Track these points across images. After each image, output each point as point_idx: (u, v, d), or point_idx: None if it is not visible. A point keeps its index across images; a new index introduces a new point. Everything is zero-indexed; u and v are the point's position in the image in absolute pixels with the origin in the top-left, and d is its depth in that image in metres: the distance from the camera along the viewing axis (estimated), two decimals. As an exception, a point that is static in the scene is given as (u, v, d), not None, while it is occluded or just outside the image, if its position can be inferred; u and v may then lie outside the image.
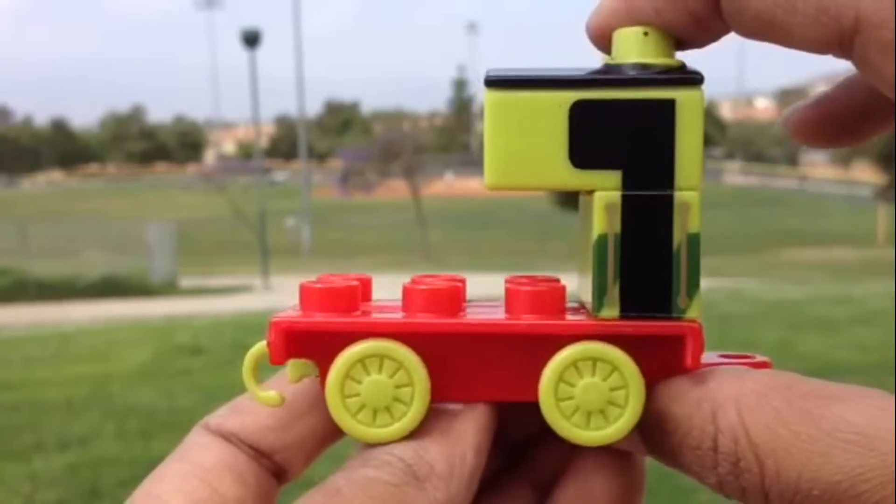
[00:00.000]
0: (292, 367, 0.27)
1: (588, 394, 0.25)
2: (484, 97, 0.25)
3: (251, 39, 16.43)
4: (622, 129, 0.25)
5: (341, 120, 45.64)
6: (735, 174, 36.84)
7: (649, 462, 0.27)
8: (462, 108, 44.52)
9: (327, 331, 0.26)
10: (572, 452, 0.27)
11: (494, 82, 0.25)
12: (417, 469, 0.24)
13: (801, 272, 10.64)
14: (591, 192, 0.25)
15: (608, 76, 0.25)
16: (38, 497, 2.44)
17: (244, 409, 0.27)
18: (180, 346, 4.43)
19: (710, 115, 39.54)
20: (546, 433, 0.28)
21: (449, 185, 28.81)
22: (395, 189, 20.57)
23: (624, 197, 0.25)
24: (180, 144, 47.97)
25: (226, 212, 16.17)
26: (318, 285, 0.27)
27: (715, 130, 39.40)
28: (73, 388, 3.67)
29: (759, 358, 0.28)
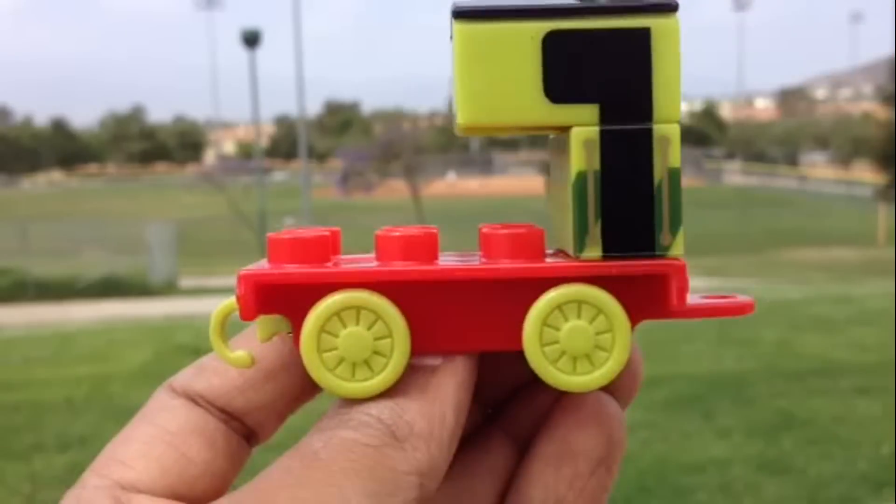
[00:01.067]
0: (262, 324, 0.25)
1: (573, 338, 0.24)
2: (452, 29, 0.24)
3: (251, 39, 16.42)
4: (598, 61, 0.24)
5: (341, 120, 45.60)
6: (735, 174, 36.81)
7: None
8: (462, 108, 44.28)
9: (300, 283, 0.25)
10: (552, 406, 0.27)
11: (463, 13, 0.24)
12: (396, 429, 0.23)
13: (801, 272, 10.63)
14: (566, 129, 0.24)
15: (580, 4, 0.24)
16: (38, 497, 2.43)
17: (211, 369, 0.26)
18: (180, 346, 4.43)
19: (711, 115, 39.52)
20: (524, 387, 0.28)
21: (450, 185, 28.78)
22: (395, 189, 20.55)
23: (602, 132, 0.24)
24: (180, 144, 47.92)
25: (226, 212, 16.16)
26: (287, 236, 0.25)
27: (715, 130, 39.36)
28: (73, 388, 3.67)
29: (742, 298, 0.27)
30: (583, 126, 0.24)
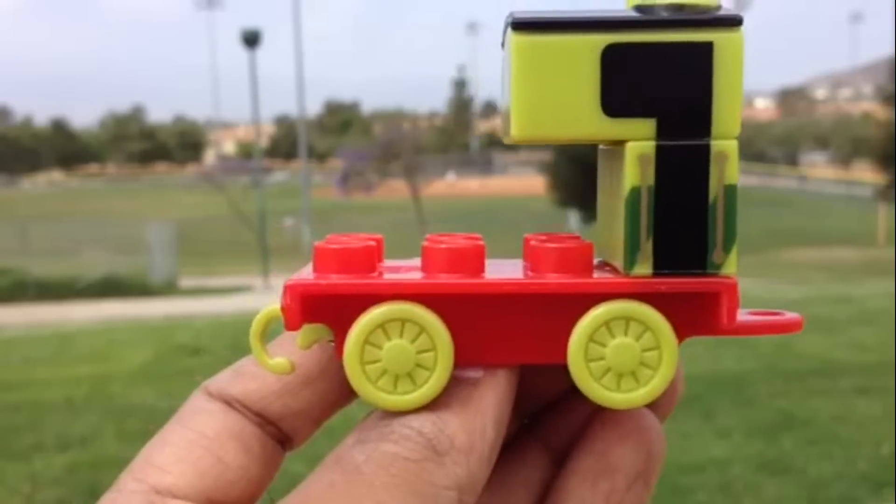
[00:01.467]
0: (304, 332, 0.25)
1: (619, 354, 0.24)
2: (510, 42, 0.24)
3: (251, 39, 16.42)
4: (657, 75, 0.23)
5: (341, 120, 45.61)
6: (735, 174, 36.67)
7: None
8: (462, 108, 44.46)
9: (346, 293, 0.24)
10: (589, 419, 0.26)
11: (521, 25, 0.23)
12: (437, 443, 0.23)
13: (801, 272, 10.63)
14: (621, 143, 0.24)
15: (642, 17, 0.23)
16: (38, 497, 2.43)
17: (248, 374, 0.26)
18: (180, 346, 4.42)
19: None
20: (563, 399, 0.27)
21: (450, 185, 28.78)
22: (395, 189, 20.54)
23: (658, 147, 0.24)
24: (180, 144, 47.92)
25: (226, 212, 16.16)
26: (333, 246, 0.25)
27: (715, 130, 39.22)
28: (73, 388, 3.67)
29: (790, 315, 0.27)
30: (639, 140, 0.24)
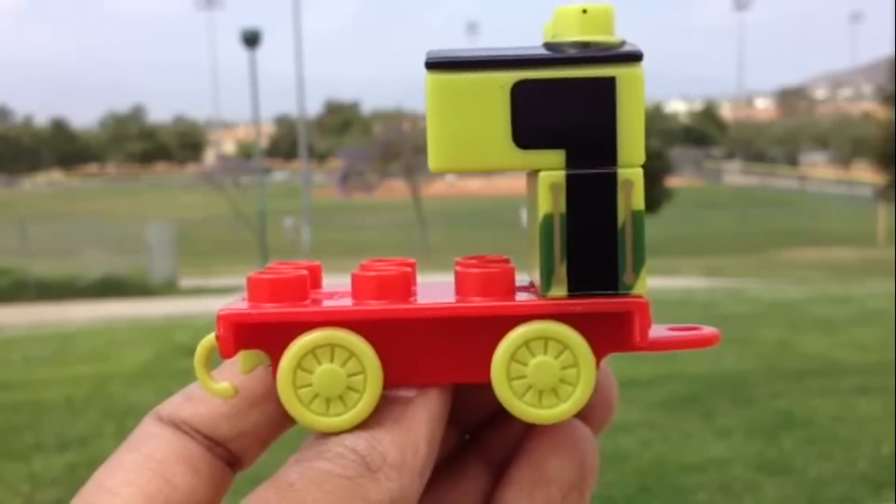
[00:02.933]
0: (243, 358, 0.26)
1: (540, 372, 0.25)
2: (425, 79, 0.25)
3: (251, 39, 16.41)
4: (564, 108, 0.25)
5: (341, 120, 45.62)
6: (735, 174, 36.83)
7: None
8: (462, 108, 44.30)
9: (276, 321, 0.26)
10: (526, 432, 0.28)
11: (435, 64, 0.25)
12: (371, 460, 0.24)
13: (801, 272, 10.63)
14: (536, 173, 0.25)
15: (549, 55, 0.25)
16: (38, 497, 2.43)
17: (197, 398, 0.27)
18: (180, 346, 4.43)
19: (711, 115, 39.51)
20: (500, 413, 0.28)
21: (450, 185, 28.79)
22: (395, 189, 20.55)
23: (568, 176, 0.25)
24: (180, 144, 47.93)
25: (226, 212, 16.16)
26: (266, 276, 0.26)
27: (715, 130, 39.36)
28: (73, 388, 3.67)
29: (707, 330, 0.28)
30: (550, 170, 0.25)
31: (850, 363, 3.76)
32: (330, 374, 0.25)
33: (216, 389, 0.26)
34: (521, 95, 0.25)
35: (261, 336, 0.26)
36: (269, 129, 49.18)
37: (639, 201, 0.25)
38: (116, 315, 6.93)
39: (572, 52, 0.25)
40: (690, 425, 2.92)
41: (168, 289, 9.94)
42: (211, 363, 0.27)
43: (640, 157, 0.25)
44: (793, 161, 39.25)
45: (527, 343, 0.26)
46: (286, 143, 42.22)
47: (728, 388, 3.34)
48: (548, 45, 0.25)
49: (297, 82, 15.63)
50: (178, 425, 0.27)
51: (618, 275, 0.25)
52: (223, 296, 9.36)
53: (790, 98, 60.88)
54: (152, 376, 3.86)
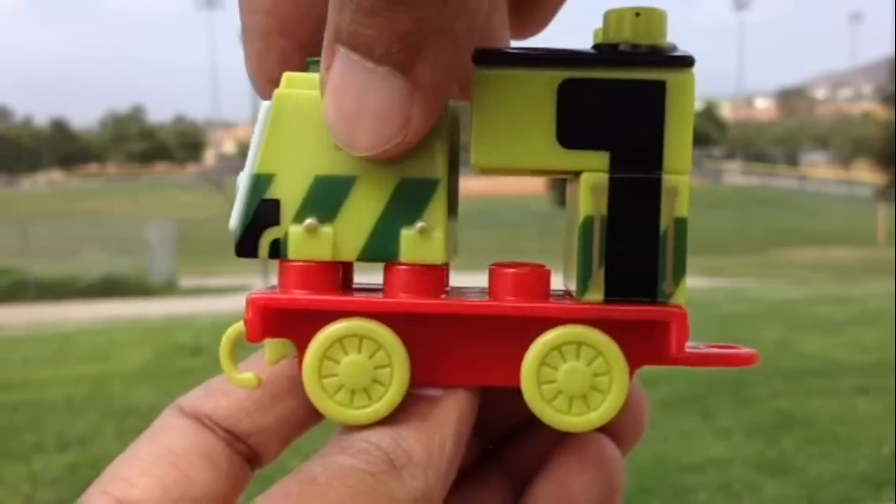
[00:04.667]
0: (270, 348, 0.26)
1: (571, 378, 0.25)
2: (473, 74, 0.25)
3: (251, 39, 16.40)
4: (611, 110, 0.24)
5: (341, 120, 45.46)
6: (735, 174, 36.82)
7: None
8: (462, 108, 44.48)
9: (306, 309, 0.25)
10: (552, 448, 0.27)
11: (483, 58, 0.25)
12: (395, 457, 0.24)
13: (801, 272, 10.63)
14: (578, 174, 0.25)
15: (598, 55, 0.25)
16: (38, 497, 2.43)
17: (219, 391, 0.27)
18: (180, 346, 4.43)
19: (711, 115, 39.51)
20: (527, 426, 0.28)
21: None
22: (395, 189, 20.47)
23: (612, 179, 0.25)
24: (180, 144, 47.94)
25: (226, 212, 16.10)
26: (298, 263, 0.26)
27: (715, 130, 39.37)
28: (73, 388, 3.67)
29: (745, 350, 0.27)
30: (593, 172, 0.25)
31: (850, 363, 3.76)
32: (356, 365, 0.25)
33: (240, 379, 0.26)
34: (568, 94, 0.24)
35: (289, 323, 0.26)
36: (269, 129, 48.92)
37: (683, 209, 0.25)
38: (116, 315, 6.93)
39: (622, 53, 0.24)
40: (690, 425, 2.92)
41: (168, 289, 9.93)
42: (236, 352, 0.26)
43: (688, 165, 0.25)
44: (793, 161, 39.25)
45: (559, 347, 0.25)
46: (286, 143, 42.06)
47: (728, 388, 3.34)
48: (598, 47, 0.25)
49: (297, 82, 15.61)
50: (200, 419, 0.26)
51: (657, 283, 0.25)
52: (223, 296, 9.37)
53: (790, 98, 60.87)
54: (152, 376, 3.86)
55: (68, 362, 4.38)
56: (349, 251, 0.25)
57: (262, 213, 0.25)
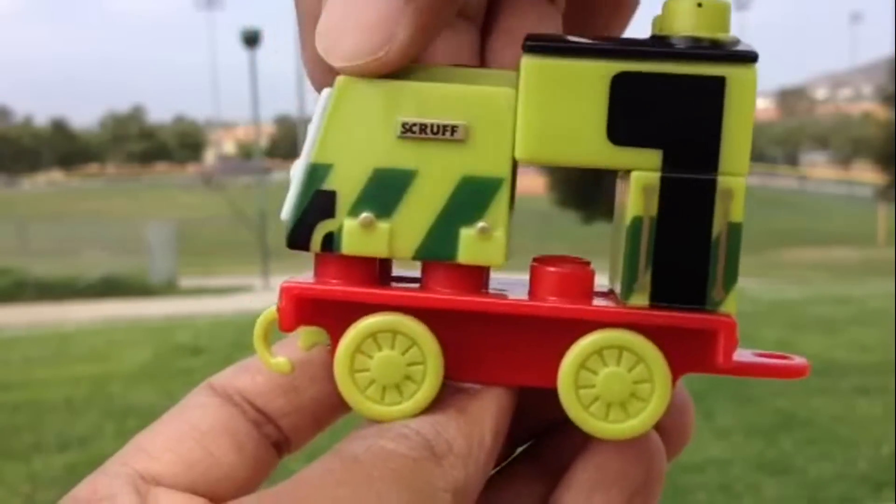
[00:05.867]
0: (304, 334, 0.26)
1: (610, 384, 0.24)
2: (521, 63, 0.24)
3: (251, 39, 16.44)
4: (666, 106, 0.23)
5: (341, 120, 45.43)
6: (735, 174, 36.69)
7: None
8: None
9: (340, 300, 0.25)
10: (589, 438, 0.26)
11: (534, 48, 0.24)
12: (436, 446, 0.23)
13: (801, 272, 10.63)
14: (628, 172, 0.24)
15: (655, 48, 0.23)
16: (38, 497, 2.44)
17: (255, 369, 0.26)
18: (180, 346, 4.43)
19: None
20: (562, 427, 0.27)
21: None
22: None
23: (663, 178, 0.23)
24: (180, 144, 47.93)
25: (226, 212, 16.15)
26: (337, 254, 0.25)
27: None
28: (73, 388, 3.67)
29: (797, 360, 0.26)
30: (644, 171, 0.24)
31: (850, 363, 3.76)
32: (389, 361, 0.24)
33: (274, 363, 0.26)
34: (622, 88, 0.23)
35: (322, 313, 0.25)
36: (269, 129, 49.15)
37: (738, 213, 0.24)
38: (116, 315, 6.93)
39: (681, 46, 0.23)
40: (690, 425, 2.92)
41: (168, 289, 9.94)
42: (270, 337, 0.26)
43: (745, 166, 0.24)
44: (793, 161, 39.25)
45: (600, 351, 0.24)
46: (286, 143, 42.19)
47: (728, 388, 3.34)
48: (655, 38, 0.24)
49: (297, 82, 15.63)
50: (231, 396, 0.26)
51: (706, 289, 0.24)
52: (223, 296, 9.38)
53: (790, 98, 60.85)
54: (152, 376, 3.86)
55: (68, 362, 4.38)
56: (405, 248, 0.25)
57: (318, 204, 0.25)
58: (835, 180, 32.32)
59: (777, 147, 40.45)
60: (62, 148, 45.62)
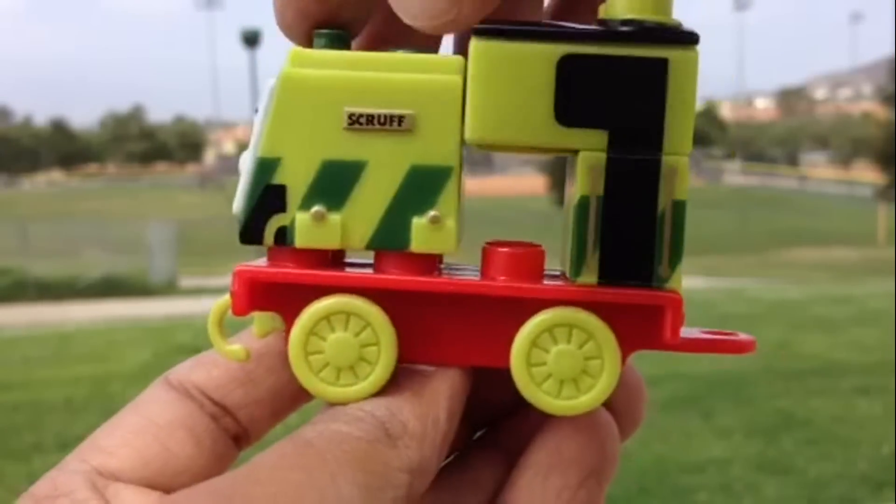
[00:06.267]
0: (258, 321, 0.26)
1: (561, 361, 0.25)
2: (470, 46, 0.24)
3: (251, 39, 16.44)
4: (611, 87, 0.24)
5: (341, 120, 45.45)
6: (735, 174, 36.82)
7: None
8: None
9: (293, 283, 0.25)
10: (545, 420, 0.26)
11: (482, 31, 0.24)
12: (390, 427, 0.24)
13: (801, 272, 10.63)
14: (575, 153, 0.24)
15: (600, 30, 0.24)
16: (38, 497, 2.43)
17: (211, 362, 0.26)
18: (180, 346, 4.43)
19: (710, 116, 39.51)
20: (516, 409, 0.27)
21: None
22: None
23: (609, 158, 0.24)
24: (180, 144, 47.93)
25: (226, 212, 16.10)
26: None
27: (715, 130, 39.37)
28: (73, 388, 3.67)
29: (743, 337, 0.27)
30: (590, 151, 0.24)
31: (850, 363, 3.76)
32: (343, 342, 0.25)
33: (228, 351, 0.26)
34: (568, 70, 0.24)
35: (276, 297, 0.25)
36: (269, 129, 48.91)
37: (682, 191, 0.24)
38: (116, 315, 6.93)
39: (624, 29, 0.24)
40: (690, 425, 2.92)
41: (168, 289, 9.93)
42: (224, 326, 0.26)
43: (688, 146, 0.24)
44: (793, 161, 39.26)
45: (550, 329, 0.25)
46: (286, 143, 42.07)
47: (728, 388, 3.34)
48: (601, 22, 0.24)
49: (297, 82, 15.60)
50: (188, 390, 0.26)
51: (653, 266, 0.24)
52: (223, 296, 9.30)
53: (790, 98, 60.85)
54: (152, 376, 3.79)
55: (68, 362, 4.38)
56: (358, 239, 0.25)
57: (268, 198, 0.25)
58: (835, 180, 32.33)
59: (777, 147, 40.47)
60: (62, 148, 45.62)
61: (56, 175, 46.27)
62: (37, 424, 3.14)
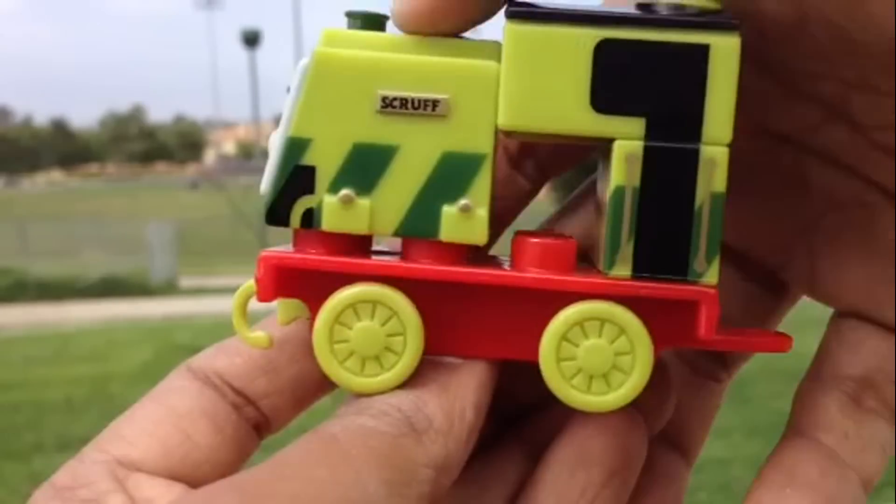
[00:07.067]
0: (282, 308, 0.25)
1: (592, 356, 0.24)
2: (503, 29, 0.24)
3: (251, 39, 16.44)
4: (649, 74, 0.23)
5: (341, 120, 45.51)
6: (735, 174, 36.84)
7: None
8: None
9: (319, 269, 0.24)
10: (572, 416, 0.26)
11: (516, 14, 0.23)
12: (416, 421, 0.23)
13: (801, 272, 10.62)
14: (611, 141, 0.24)
15: (638, 14, 0.23)
16: (38, 497, 2.44)
17: (233, 350, 0.26)
18: (180, 346, 4.43)
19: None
20: (545, 403, 0.27)
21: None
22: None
23: (646, 147, 0.23)
24: (180, 144, 47.97)
25: (226, 212, 16.16)
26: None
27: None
28: (73, 388, 3.67)
29: (777, 334, 0.26)
30: (627, 140, 0.23)
31: (850, 363, 3.77)
32: (368, 332, 0.24)
33: (251, 338, 0.25)
34: (605, 55, 0.23)
35: (301, 284, 0.25)
36: (269, 129, 49.03)
37: (721, 183, 0.23)
38: (116, 315, 6.93)
39: (664, 13, 0.23)
40: (690, 425, 2.93)
41: (168, 289, 9.93)
42: (247, 312, 0.26)
43: (728, 136, 0.23)
44: (793, 161, 39.26)
45: (581, 323, 0.24)
46: (286, 143, 42.14)
47: (728, 388, 3.34)
48: (640, 6, 0.24)
49: (297, 82, 15.62)
50: (210, 378, 0.26)
51: (688, 260, 0.23)
52: (223, 296, 9.35)
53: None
54: (152, 376, 3.83)
55: (68, 362, 4.38)
56: (386, 225, 0.24)
57: (297, 179, 0.24)
58: (835, 180, 32.32)
59: (777, 147, 40.47)
60: (62, 148, 45.65)
61: (56, 175, 46.29)
62: (37, 424, 3.14)
